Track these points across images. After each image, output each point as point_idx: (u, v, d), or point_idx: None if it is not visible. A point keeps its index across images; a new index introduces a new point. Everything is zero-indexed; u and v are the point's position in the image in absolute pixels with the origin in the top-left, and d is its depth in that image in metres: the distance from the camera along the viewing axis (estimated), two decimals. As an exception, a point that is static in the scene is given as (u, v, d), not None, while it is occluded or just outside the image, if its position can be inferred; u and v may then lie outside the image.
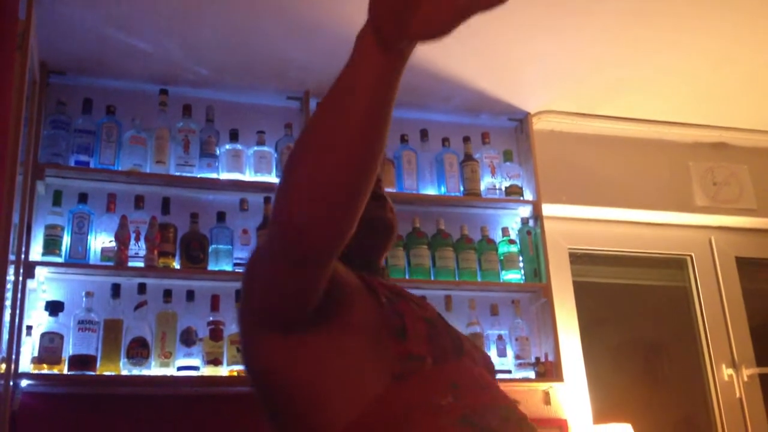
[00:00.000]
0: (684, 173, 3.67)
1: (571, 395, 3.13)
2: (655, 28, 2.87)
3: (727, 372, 3.45)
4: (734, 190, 3.70)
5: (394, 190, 3.15)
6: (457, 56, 3.01)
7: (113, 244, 2.72)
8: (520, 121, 3.48)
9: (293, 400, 1.16)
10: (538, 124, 3.47)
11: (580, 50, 3.04)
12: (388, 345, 1.14)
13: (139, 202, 2.85)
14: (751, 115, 3.58)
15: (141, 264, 2.73)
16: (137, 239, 2.76)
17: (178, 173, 2.92)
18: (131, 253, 2.73)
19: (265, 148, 3.07)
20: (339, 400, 1.12)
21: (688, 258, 3.70)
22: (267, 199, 2.97)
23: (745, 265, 3.70)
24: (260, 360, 1.20)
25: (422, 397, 1.11)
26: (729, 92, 3.37)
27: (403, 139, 3.25)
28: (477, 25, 3.16)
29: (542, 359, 3.05)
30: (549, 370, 3.02)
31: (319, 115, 0.96)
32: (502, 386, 1.26)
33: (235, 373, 2.68)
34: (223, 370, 2.69)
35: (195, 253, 2.81)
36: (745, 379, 3.44)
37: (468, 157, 3.27)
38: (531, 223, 3.25)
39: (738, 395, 3.43)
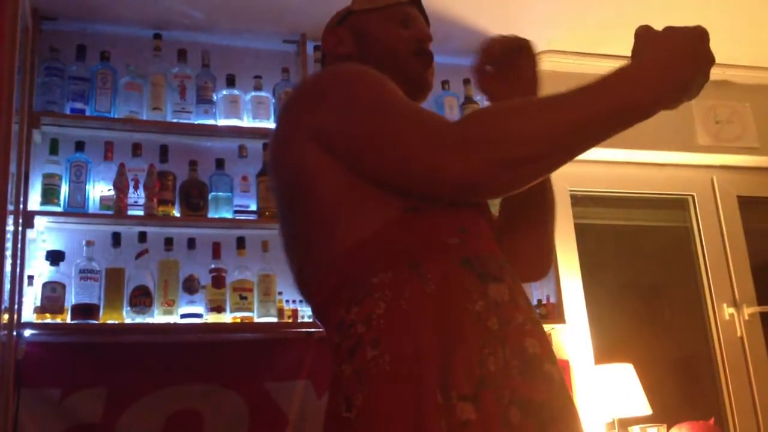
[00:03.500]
0: (686, 112, 3.63)
1: (573, 336, 3.15)
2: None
3: (728, 311, 3.47)
4: (736, 128, 3.67)
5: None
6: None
7: (112, 192, 2.70)
8: (521, 61, 3.42)
9: (314, 207, 1.19)
10: (541, 64, 3.41)
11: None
12: None
13: (136, 149, 2.82)
14: (754, 52, 3.53)
15: (141, 212, 2.71)
16: (136, 187, 2.74)
17: (175, 120, 2.88)
18: (130, 201, 2.72)
19: (263, 93, 3.03)
20: (354, 218, 1.17)
21: (690, 198, 3.68)
22: (265, 146, 2.93)
23: (747, 204, 3.69)
24: (295, 163, 1.21)
25: (430, 232, 1.16)
26: (731, 29, 3.31)
27: (403, 83, 3.20)
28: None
29: (544, 301, 3.06)
30: (551, 312, 3.03)
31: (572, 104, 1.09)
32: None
33: (239, 320, 2.69)
34: (227, 317, 2.70)
35: (195, 200, 2.79)
36: (746, 317, 3.46)
37: (468, 100, 3.23)
38: (532, 165, 3.22)
39: (739, 334, 3.45)
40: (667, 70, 1.10)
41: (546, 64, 3.42)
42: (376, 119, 1.16)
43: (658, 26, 1.29)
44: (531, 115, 1.09)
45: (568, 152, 1.10)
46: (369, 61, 1.33)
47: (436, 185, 1.12)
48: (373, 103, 1.18)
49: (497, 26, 3.18)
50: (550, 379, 1.12)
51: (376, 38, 1.43)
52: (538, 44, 3.57)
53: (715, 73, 3.98)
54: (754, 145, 3.66)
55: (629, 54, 1.20)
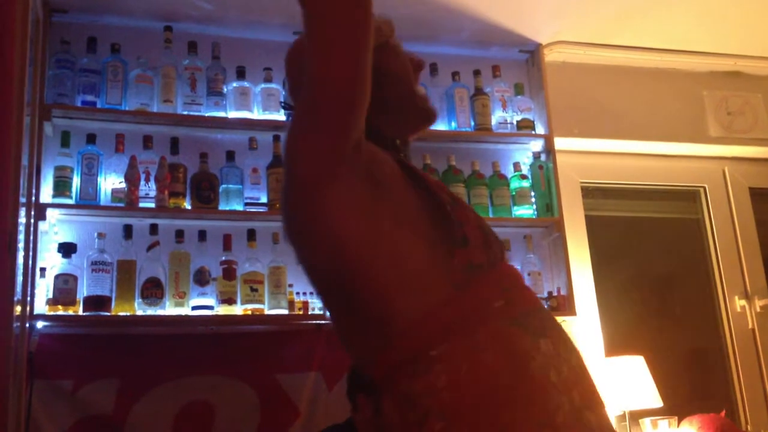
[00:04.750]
0: (698, 103, 3.61)
1: (584, 329, 3.15)
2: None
3: (739, 303, 3.46)
4: (749, 119, 3.65)
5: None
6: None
7: (123, 185, 2.70)
8: (531, 53, 3.41)
9: (361, 285, 1.19)
10: (549, 56, 3.41)
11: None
12: (450, 252, 1.20)
13: (147, 142, 2.82)
14: (765, 43, 3.50)
15: (152, 204, 2.72)
16: (147, 180, 2.75)
17: (185, 112, 2.89)
18: (141, 193, 2.72)
19: (273, 86, 3.02)
20: (404, 298, 1.17)
21: (701, 190, 3.67)
22: (276, 138, 2.94)
23: (759, 196, 3.67)
24: (329, 233, 1.20)
25: (480, 302, 1.19)
26: (744, 19, 3.29)
27: (413, 74, 3.19)
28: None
29: (555, 293, 3.05)
30: (561, 304, 3.02)
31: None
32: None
33: (249, 312, 2.70)
34: (238, 309, 2.71)
35: (205, 192, 2.79)
36: (758, 309, 3.45)
37: (478, 91, 3.22)
38: (543, 157, 3.22)
39: (751, 326, 3.44)
40: None
41: (555, 55, 3.42)
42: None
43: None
44: None
45: None
46: (388, 101, 1.34)
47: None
48: None
49: (507, 17, 3.19)
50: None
51: (398, 77, 1.41)
52: (549, 35, 3.58)
53: (726, 64, 3.98)
54: (766, 137, 3.63)
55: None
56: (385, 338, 1.17)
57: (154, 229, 2.73)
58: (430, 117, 1.46)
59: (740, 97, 3.65)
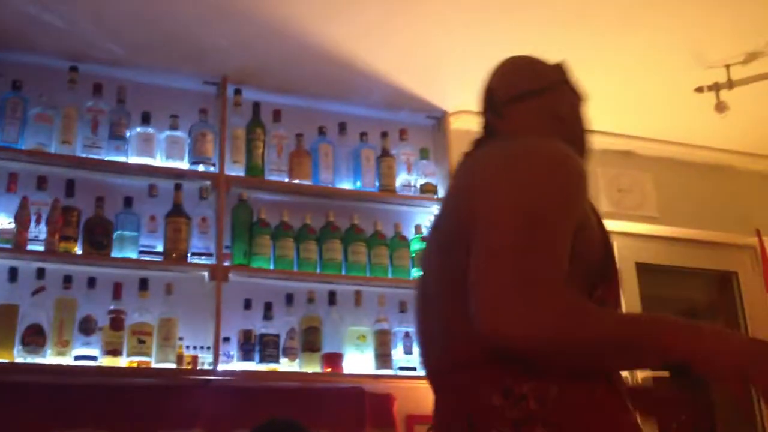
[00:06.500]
0: (591, 179, 3.76)
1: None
2: (571, 36, 2.93)
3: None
4: (637, 197, 3.83)
5: (310, 183, 3.12)
6: (378, 51, 3.01)
7: (12, 225, 2.60)
8: (438, 119, 3.50)
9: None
10: (455, 124, 3.50)
11: (498, 52, 3.07)
12: (594, 284, 1.23)
13: (42, 182, 2.74)
14: (657, 125, 3.71)
15: (41, 248, 2.63)
16: (38, 222, 2.66)
17: (84, 155, 2.82)
18: (31, 236, 2.63)
19: (178, 133, 2.99)
20: None
21: (592, 262, 3.79)
22: (178, 186, 2.89)
23: (645, 271, 3.83)
24: None
25: None
26: (637, 103, 3.48)
27: (321, 131, 3.23)
28: (399, 21, 3.18)
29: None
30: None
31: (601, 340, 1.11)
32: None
33: (135, 364, 2.61)
34: (123, 361, 2.62)
35: (99, 238, 2.72)
36: (639, 381, 3.56)
37: (385, 153, 3.28)
38: (443, 221, 3.28)
39: (631, 396, 3.55)
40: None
41: (461, 123, 3.51)
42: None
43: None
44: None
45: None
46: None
47: (490, 336, 1.10)
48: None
49: (416, 84, 3.28)
50: None
51: (576, 115, 1.48)
52: (456, 104, 3.68)
53: (619, 143, 4.16)
54: (653, 215, 3.82)
55: None
56: None
57: (41, 273, 2.63)
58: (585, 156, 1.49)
59: (630, 175, 3.84)
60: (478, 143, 1.46)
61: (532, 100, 1.44)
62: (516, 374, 1.14)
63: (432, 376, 1.34)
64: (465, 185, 1.29)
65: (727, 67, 3.16)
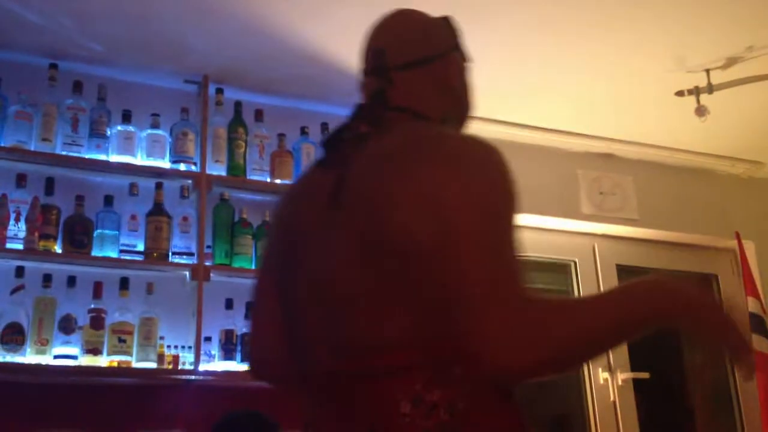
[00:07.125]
0: (572, 181, 3.79)
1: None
2: (550, 39, 2.95)
3: (603, 375, 3.59)
4: (618, 199, 3.85)
5: (292, 182, 3.11)
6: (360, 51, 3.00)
7: (-10, 223, 2.57)
8: (420, 120, 3.50)
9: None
10: (436, 126, 3.50)
11: (482, 53, 3.08)
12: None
13: (21, 180, 2.71)
14: (637, 129, 3.73)
15: (20, 246, 2.60)
16: (17, 220, 2.63)
17: (64, 153, 2.80)
18: (10, 234, 2.61)
19: (159, 132, 2.98)
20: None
21: (572, 263, 3.82)
22: (159, 185, 2.88)
23: (625, 273, 3.85)
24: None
25: None
26: (617, 106, 3.50)
27: (303, 132, 3.22)
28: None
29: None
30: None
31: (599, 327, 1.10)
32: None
33: (115, 364, 2.60)
34: (103, 360, 2.60)
35: (79, 237, 2.70)
36: (620, 383, 3.59)
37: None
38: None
39: (612, 398, 3.57)
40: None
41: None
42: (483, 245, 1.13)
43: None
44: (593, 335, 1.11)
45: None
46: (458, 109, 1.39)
47: (472, 355, 1.06)
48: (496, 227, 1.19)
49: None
50: None
51: (464, 84, 1.44)
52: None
53: (600, 146, 4.19)
54: (634, 217, 3.85)
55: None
56: (416, 336, 1.14)
57: (20, 271, 2.60)
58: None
59: (612, 178, 3.87)
60: (374, 118, 1.29)
61: (425, 68, 1.34)
62: (426, 381, 1.08)
63: (310, 384, 1.21)
64: (392, 183, 1.15)
65: (707, 71, 3.19)
